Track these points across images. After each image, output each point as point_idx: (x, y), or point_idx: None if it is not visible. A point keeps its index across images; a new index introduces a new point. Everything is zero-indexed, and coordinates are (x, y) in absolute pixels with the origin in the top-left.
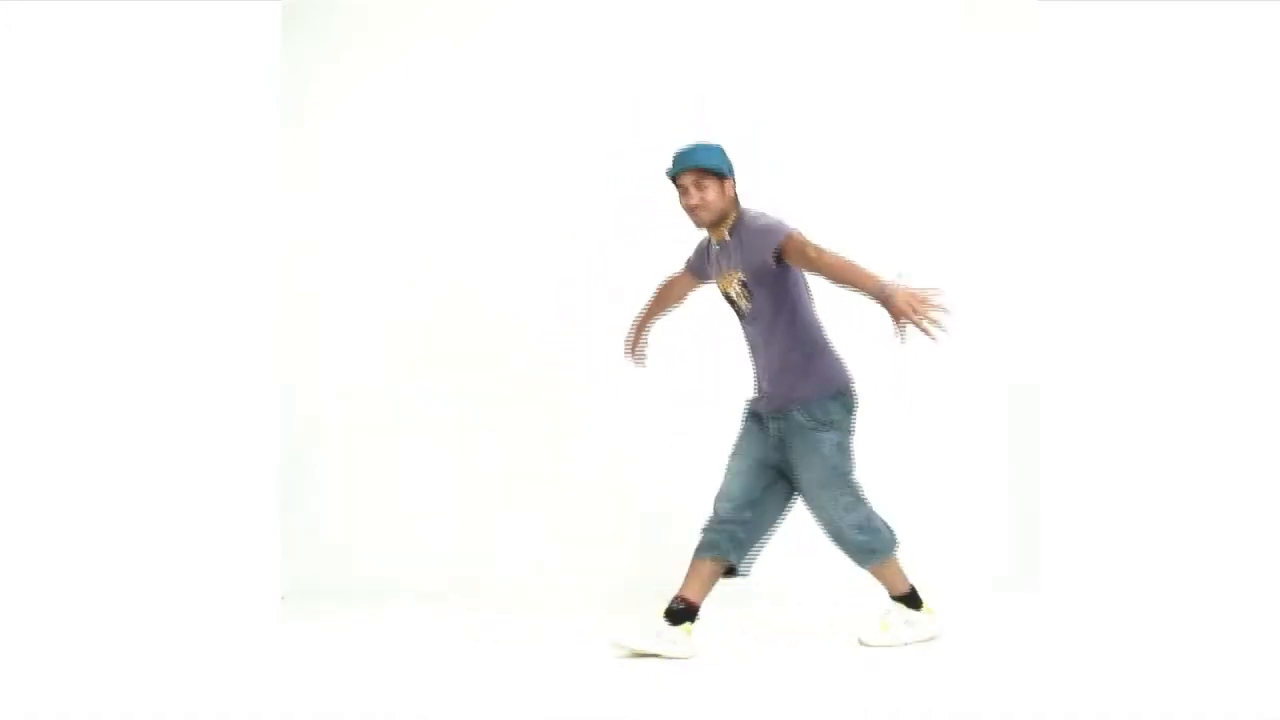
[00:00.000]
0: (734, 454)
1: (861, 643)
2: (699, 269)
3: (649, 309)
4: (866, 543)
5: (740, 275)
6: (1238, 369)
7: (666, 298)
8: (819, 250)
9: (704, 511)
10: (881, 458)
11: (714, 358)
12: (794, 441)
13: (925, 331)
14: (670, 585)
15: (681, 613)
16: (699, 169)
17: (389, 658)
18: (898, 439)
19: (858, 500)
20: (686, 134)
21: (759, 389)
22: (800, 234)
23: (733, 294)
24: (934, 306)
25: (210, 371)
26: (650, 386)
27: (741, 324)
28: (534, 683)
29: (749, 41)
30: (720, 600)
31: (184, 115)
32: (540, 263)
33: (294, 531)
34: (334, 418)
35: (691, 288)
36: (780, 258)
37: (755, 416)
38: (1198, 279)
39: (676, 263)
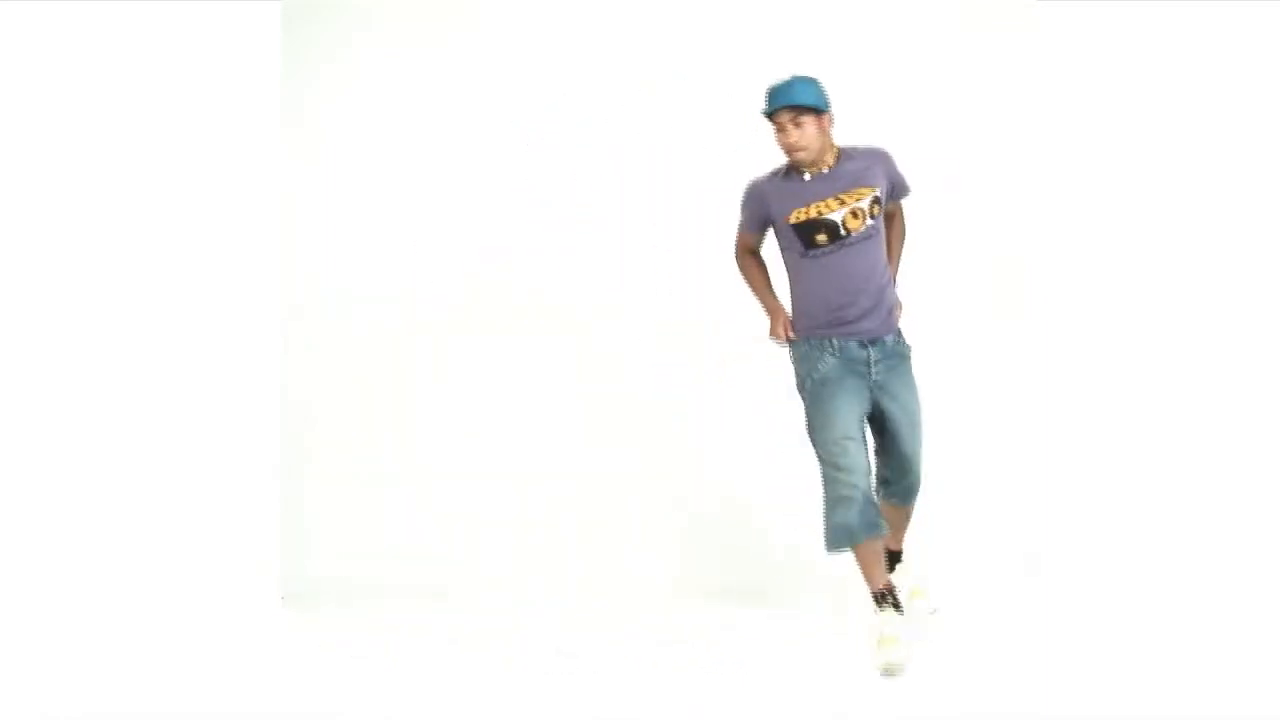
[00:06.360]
0: (845, 412)
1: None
2: (765, 218)
3: (761, 280)
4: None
5: (876, 192)
6: (1238, 370)
7: (758, 260)
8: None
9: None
10: None
11: (723, 355)
12: (897, 374)
13: None
14: (678, 584)
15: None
16: (796, 106)
17: (389, 658)
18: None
19: None
20: (683, 132)
21: (844, 318)
22: None
23: (842, 216)
24: None
25: (211, 370)
26: (652, 384)
27: (829, 252)
28: (535, 683)
29: (748, 41)
30: (719, 601)
31: (184, 115)
32: (543, 261)
33: (294, 531)
34: (334, 417)
35: (762, 243)
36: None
37: (845, 353)
38: (1198, 277)
39: (689, 253)
